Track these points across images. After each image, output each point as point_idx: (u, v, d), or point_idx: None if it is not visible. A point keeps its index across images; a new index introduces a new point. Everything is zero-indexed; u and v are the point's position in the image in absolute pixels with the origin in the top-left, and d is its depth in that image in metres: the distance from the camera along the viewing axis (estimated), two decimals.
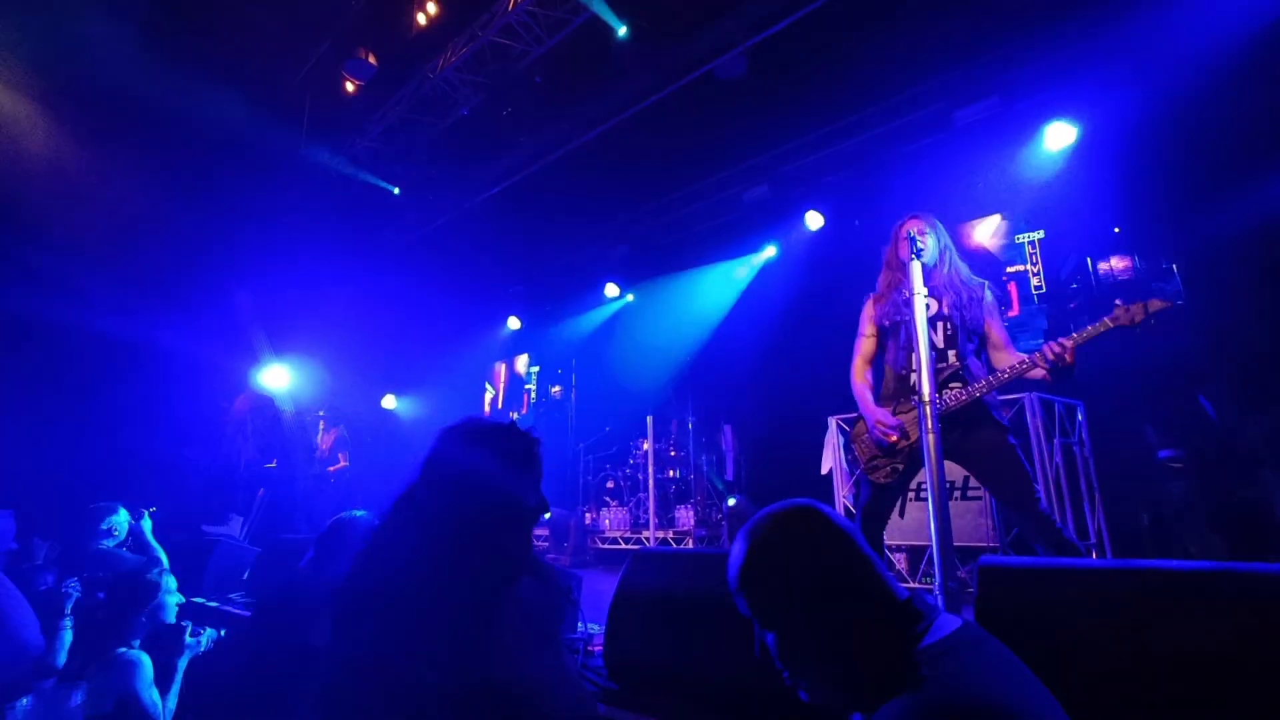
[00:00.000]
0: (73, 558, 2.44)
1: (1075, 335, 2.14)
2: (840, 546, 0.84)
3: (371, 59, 6.02)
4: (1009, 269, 5.03)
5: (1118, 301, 2.17)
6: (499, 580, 1.05)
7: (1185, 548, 3.66)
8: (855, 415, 4.61)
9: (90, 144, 6.17)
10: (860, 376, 2.53)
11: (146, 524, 2.70)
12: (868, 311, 2.58)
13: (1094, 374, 4.47)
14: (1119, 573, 1.26)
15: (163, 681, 2.03)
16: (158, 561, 2.67)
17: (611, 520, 6.13)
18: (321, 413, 6.62)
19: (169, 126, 6.36)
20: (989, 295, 2.43)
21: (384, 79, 5.96)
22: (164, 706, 1.99)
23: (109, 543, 2.61)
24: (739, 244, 6.66)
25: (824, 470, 4.73)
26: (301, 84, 6.81)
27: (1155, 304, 2.11)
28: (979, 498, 3.77)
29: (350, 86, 6.38)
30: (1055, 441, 3.75)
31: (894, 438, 2.30)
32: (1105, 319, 2.14)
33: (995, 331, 2.39)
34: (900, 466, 2.30)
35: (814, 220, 5.99)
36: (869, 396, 2.47)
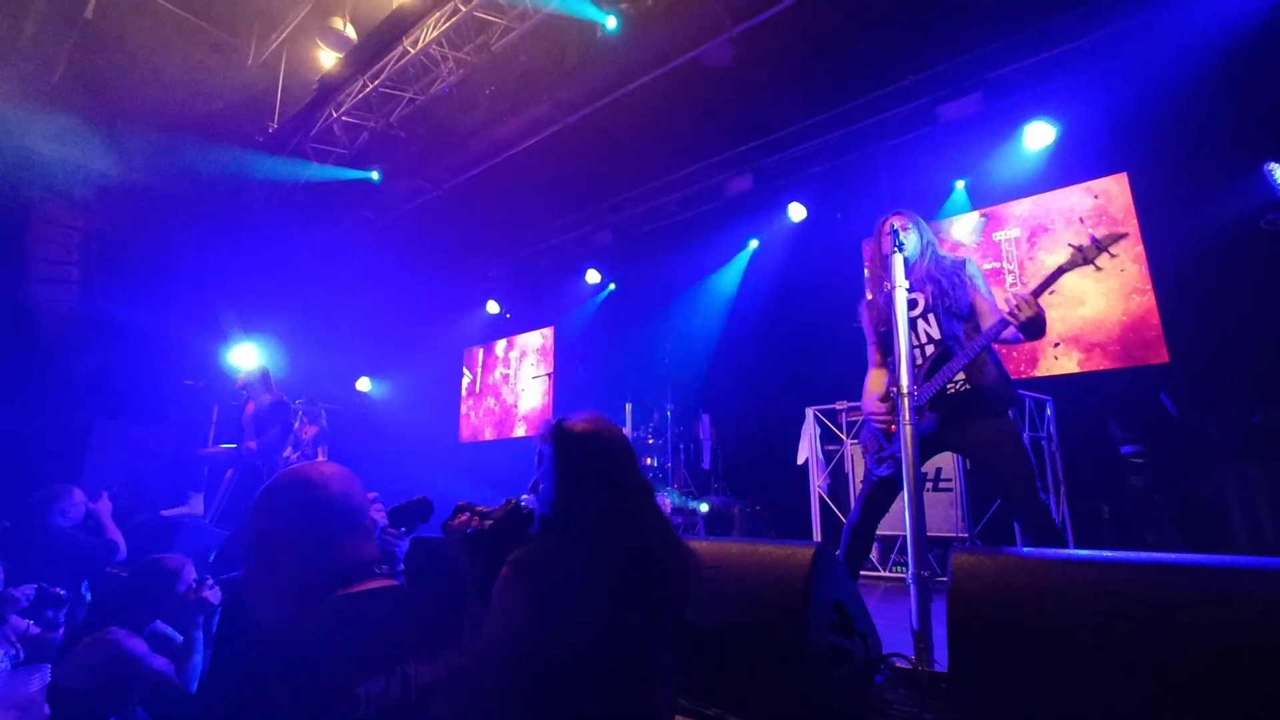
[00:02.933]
0: (22, 539, 2.33)
1: (1033, 289, 2.15)
2: (325, 508, 1.11)
3: (350, 30, 5.82)
4: (986, 266, 5.11)
5: (1070, 244, 2.18)
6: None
7: (1143, 538, 3.79)
8: (832, 407, 4.67)
9: (47, 112, 5.87)
10: (868, 380, 2.55)
11: (104, 506, 2.60)
12: (865, 319, 2.59)
13: (1063, 372, 4.58)
14: (1087, 564, 1.29)
15: (186, 652, 1.97)
16: (115, 546, 2.58)
17: None
18: (299, 402, 6.46)
19: (130, 93, 6.09)
20: (970, 268, 2.40)
21: (362, 52, 5.76)
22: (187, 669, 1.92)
23: (63, 524, 2.50)
24: (722, 234, 6.65)
25: (800, 460, 4.79)
26: (276, 54, 6.57)
27: (1105, 237, 2.10)
28: (950, 489, 3.85)
29: (327, 59, 6.17)
30: (1024, 435, 3.85)
31: (890, 426, 2.32)
32: (1060, 264, 2.16)
33: (980, 303, 2.34)
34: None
35: (797, 212, 6.00)
36: (868, 394, 2.49)
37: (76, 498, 2.52)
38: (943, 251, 2.51)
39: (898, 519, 2.21)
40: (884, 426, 2.35)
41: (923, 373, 2.31)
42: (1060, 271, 2.14)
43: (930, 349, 2.36)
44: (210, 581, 2.04)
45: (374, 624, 0.99)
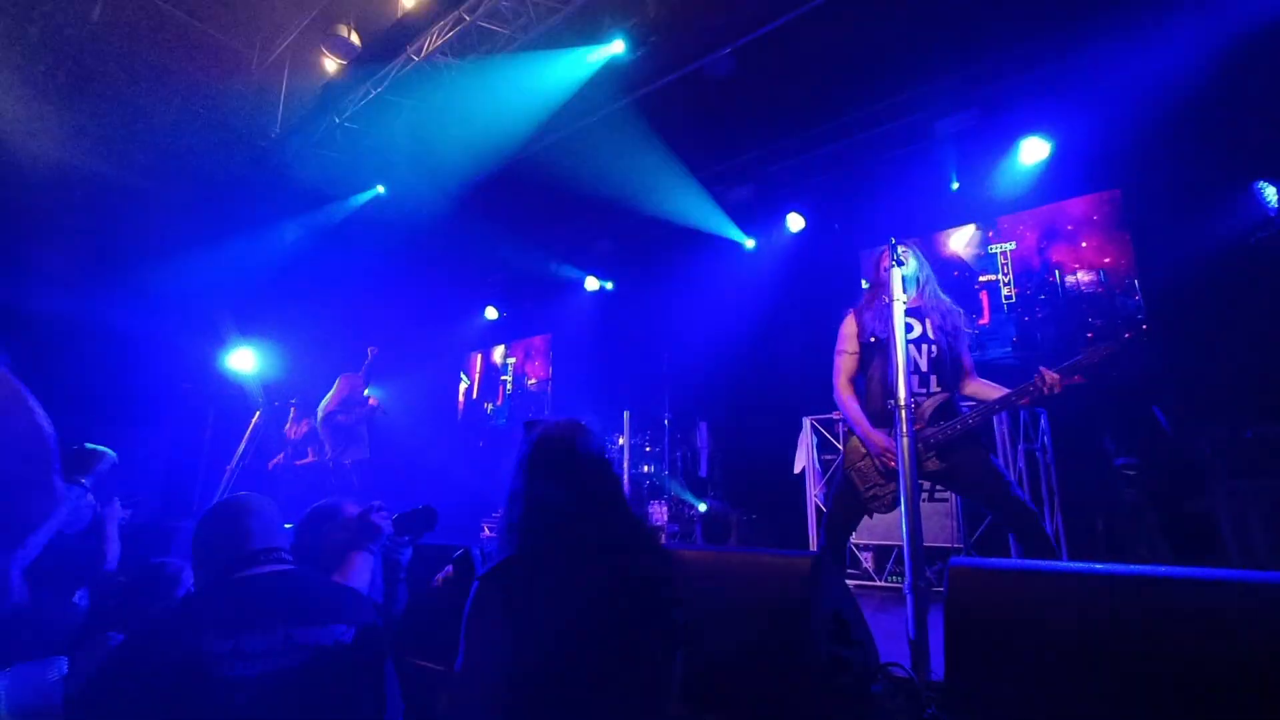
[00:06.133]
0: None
1: (1062, 372, 2.26)
2: (225, 518, 1.45)
3: (354, 37, 5.86)
4: (981, 278, 5.17)
5: (1092, 338, 2.33)
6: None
7: (1136, 551, 3.83)
8: (829, 416, 4.69)
9: (49, 113, 5.90)
10: (851, 398, 2.51)
11: (113, 511, 2.59)
12: (849, 328, 2.57)
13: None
14: (1082, 576, 1.32)
15: None
16: (103, 553, 2.55)
17: None
18: (294, 401, 6.46)
19: (134, 96, 6.12)
20: (964, 324, 2.56)
21: (366, 59, 5.81)
22: None
23: (66, 531, 2.49)
24: (720, 243, 6.70)
25: (796, 469, 4.81)
26: (279, 59, 6.61)
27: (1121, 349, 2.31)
28: (945, 500, 3.88)
29: (330, 65, 6.21)
30: (1019, 447, 3.89)
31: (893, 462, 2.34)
32: (1093, 357, 2.28)
33: (966, 359, 2.53)
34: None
35: (795, 222, 6.06)
36: (866, 421, 2.43)
37: (86, 500, 2.50)
38: (943, 293, 2.61)
39: (894, 530, 2.24)
40: (890, 463, 2.36)
41: (924, 415, 2.36)
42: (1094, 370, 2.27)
43: (915, 380, 2.41)
44: None
45: (264, 595, 1.29)
